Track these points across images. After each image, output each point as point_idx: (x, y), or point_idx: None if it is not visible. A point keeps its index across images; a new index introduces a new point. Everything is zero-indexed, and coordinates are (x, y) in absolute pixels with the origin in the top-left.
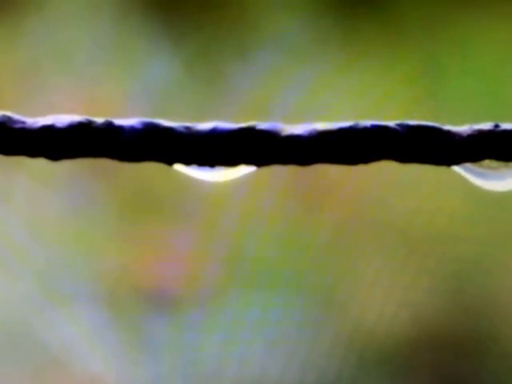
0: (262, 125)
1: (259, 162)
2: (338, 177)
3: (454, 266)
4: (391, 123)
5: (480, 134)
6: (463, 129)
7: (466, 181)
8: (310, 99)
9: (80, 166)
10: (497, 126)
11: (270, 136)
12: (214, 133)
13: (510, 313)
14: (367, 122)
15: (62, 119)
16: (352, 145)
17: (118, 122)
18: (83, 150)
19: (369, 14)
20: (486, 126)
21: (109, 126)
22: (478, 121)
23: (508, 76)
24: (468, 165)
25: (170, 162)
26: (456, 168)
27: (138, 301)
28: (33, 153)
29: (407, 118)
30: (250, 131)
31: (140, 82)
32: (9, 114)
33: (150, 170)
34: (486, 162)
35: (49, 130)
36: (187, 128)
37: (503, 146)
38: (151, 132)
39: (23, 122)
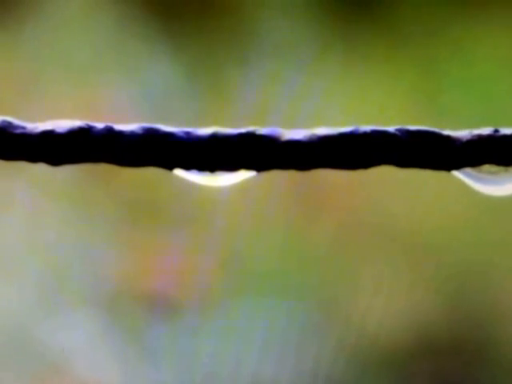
0: (262, 130)
1: (259, 167)
2: (338, 182)
3: (453, 271)
4: (391, 128)
5: (480, 139)
6: (463, 134)
7: (465, 186)
8: (310, 104)
9: (80, 171)
10: (496, 130)
11: (270, 141)
12: (214, 138)
13: (509, 318)
14: (367, 127)
15: (63, 124)
16: (352, 150)
17: (118, 127)
18: (83, 155)
19: (368, 20)
20: (486, 130)
21: (109, 131)
22: (477, 126)
23: (507, 81)
24: (468, 170)
25: (170, 167)
26: (456, 173)
27: (138, 307)
28: (33, 158)
29: (407, 123)
30: (249, 136)
31: (140, 88)
32: (9, 119)
33: (150, 175)
34: (486, 166)
35: (49, 135)
36: (187, 133)
37: (503, 151)
38: (151, 137)
39: (23, 128)
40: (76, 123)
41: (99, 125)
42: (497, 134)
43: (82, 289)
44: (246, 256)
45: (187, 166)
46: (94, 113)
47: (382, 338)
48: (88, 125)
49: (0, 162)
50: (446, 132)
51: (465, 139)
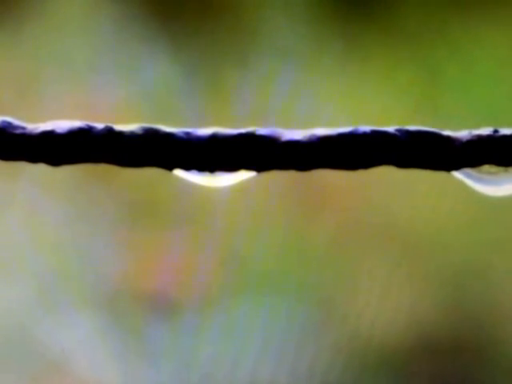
0: (262, 130)
1: (259, 168)
2: (338, 182)
3: (452, 271)
4: (391, 128)
5: (479, 140)
6: (462, 134)
7: (465, 186)
8: (310, 105)
9: (80, 171)
10: (496, 131)
11: (270, 141)
12: (214, 138)
13: (508, 318)
14: (367, 128)
15: (63, 125)
16: (351, 150)
17: (118, 127)
18: (83, 156)
19: (368, 20)
20: (485, 131)
21: (109, 132)
22: (477, 126)
23: (507, 81)
24: (467, 170)
25: (170, 168)
26: (455, 173)
27: (138, 307)
28: (33, 158)
29: (407, 123)
30: (249, 137)
31: (140, 88)
32: (9, 119)
33: (150, 175)
34: (486, 167)
35: (49, 135)
36: (187, 133)
37: (502, 152)
38: (151, 137)
39: (24, 128)
40: (76, 123)
41: (99, 125)
42: (496, 134)
43: (81, 289)
44: (245, 255)
45: (187, 166)
46: (94, 113)
47: (381, 338)
48: (88, 125)
49: (0, 162)
50: (446, 132)
51: (464, 139)
